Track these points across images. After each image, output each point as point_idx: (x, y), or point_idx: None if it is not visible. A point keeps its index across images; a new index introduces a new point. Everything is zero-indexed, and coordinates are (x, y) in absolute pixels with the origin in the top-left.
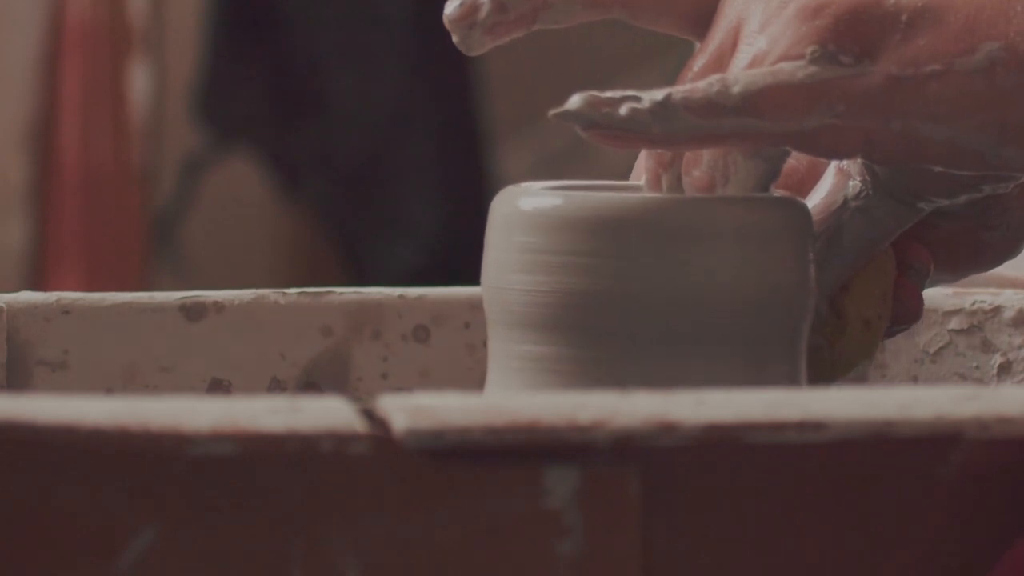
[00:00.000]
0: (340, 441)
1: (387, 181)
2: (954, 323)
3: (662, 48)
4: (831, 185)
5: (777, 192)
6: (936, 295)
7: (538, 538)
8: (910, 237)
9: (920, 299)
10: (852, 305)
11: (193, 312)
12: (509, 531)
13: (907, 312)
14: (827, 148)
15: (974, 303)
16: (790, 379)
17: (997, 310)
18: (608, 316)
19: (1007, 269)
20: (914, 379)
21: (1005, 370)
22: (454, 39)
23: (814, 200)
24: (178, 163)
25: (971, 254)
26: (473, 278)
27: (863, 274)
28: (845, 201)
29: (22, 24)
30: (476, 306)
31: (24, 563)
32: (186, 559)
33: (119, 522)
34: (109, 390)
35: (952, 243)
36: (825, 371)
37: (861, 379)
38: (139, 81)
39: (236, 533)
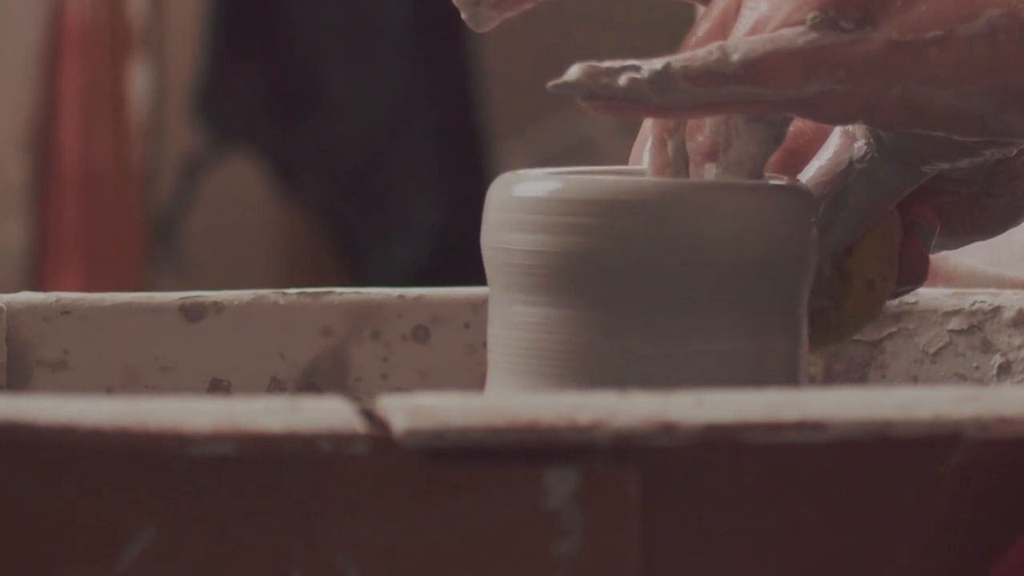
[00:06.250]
0: (340, 441)
1: (387, 181)
2: (954, 323)
3: (662, 50)
4: (836, 147)
5: (778, 179)
6: (936, 295)
7: (538, 538)
8: (915, 198)
9: (926, 259)
10: (856, 267)
11: (193, 312)
12: (509, 531)
13: (913, 272)
14: (828, 114)
15: (974, 303)
16: (791, 342)
17: (997, 310)
18: (608, 277)
19: (1007, 269)
20: (914, 379)
21: (1005, 370)
22: (463, 16)
23: (820, 162)
24: (178, 163)
25: (975, 221)
26: (473, 278)
27: (868, 236)
28: (850, 163)
29: (22, 24)
30: (476, 306)
31: (24, 563)
32: (186, 559)
33: (119, 522)
34: (109, 390)
35: (956, 210)
36: (830, 332)
37: (861, 379)
38: (139, 81)
39: (236, 533)
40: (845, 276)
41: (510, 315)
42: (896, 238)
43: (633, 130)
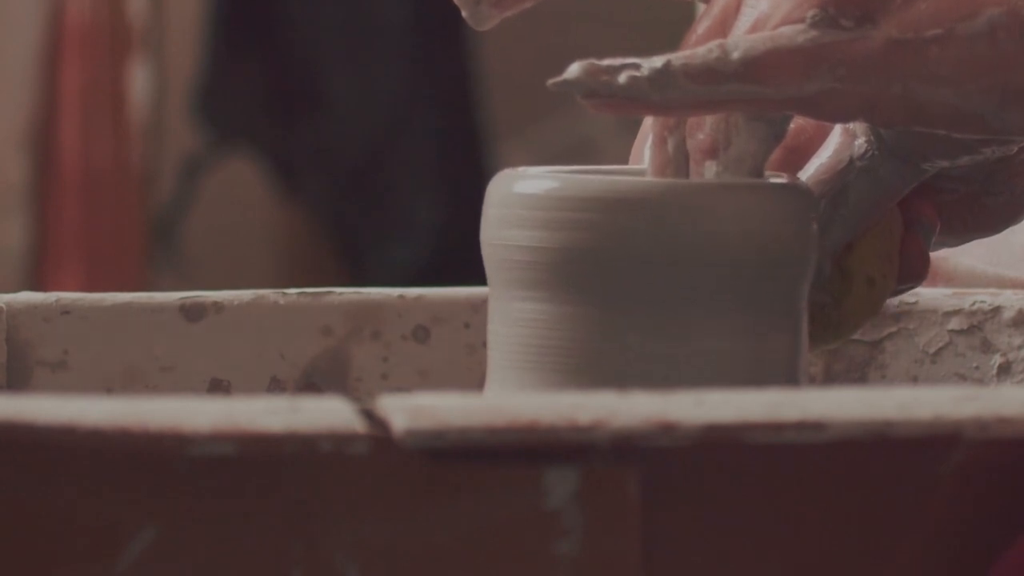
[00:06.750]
0: (340, 441)
1: (387, 181)
2: (954, 323)
3: (662, 48)
4: (837, 145)
5: (778, 178)
6: (936, 295)
7: (538, 538)
8: (915, 196)
9: (926, 257)
10: (857, 264)
11: (193, 312)
12: (509, 531)
13: (913, 270)
14: (828, 112)
15: (974, 303)
16: (791, 341)
17: (997, 310)
18: (607, 275)
19: (1007, 269)
20: (914, 379)
21: (1005, 370)
22: (463, 14)
23: (820, 160)
24: (178, 163)
25: (975, 219)
26: (473, 278)
27: (869, 234)
28: (851, 161)
29: (22, 24)
30: (476, 306)
31: (24, 563)
32: (186, 559)
33: (119, 522)
34: (109, 390)
35: (957, 207)
36: (831, 330)
37: (861, 379)
38: (139, 81)
39: (236, 533)
40: (845, 273)
41: (509, 312)
42: (896, 236)
43: (633, 130)
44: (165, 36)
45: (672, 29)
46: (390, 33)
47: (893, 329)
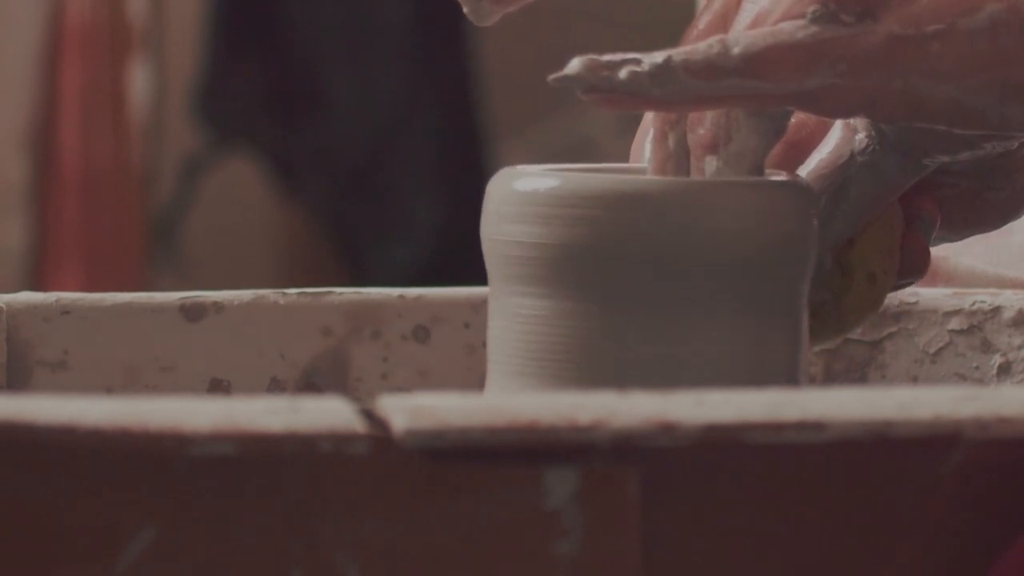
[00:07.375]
0: (340, 441)
1: (387, 181)
2: (954, 323)
3: (662, 48)
4: (838, 139)
5: (778, 175)
6: (936, 295)
7: (538, 538)
8: (916, 191)
9: (927, 252)
10: (857, 259)
11: (193, 312)
12: (509, 531)
13: (914, 265)
14: (829, 108)
15: (974, 303)
16: (791, 342)
17: (997, 310)
18: (607, 272)
19: (1007, 269)
20: (914, 379)
21: (1005, 370)
22: (465, 10)
23: (821, 155)
24: (178, 163)
25: (976, 214)
26: (473, 278)
27: (869, 229)
28: (852, 155)
29: (22, 24)
30: (476, 306)
31: (24, 563)
32: (186, 559)
33: (119, 522)
34: (109, 390)
35: (957, 202)
36: (831, 325)
37: (861, 379)
38: (139, 81)
39: (236, 533)
40: (846, 269)
41: (509, 307)
42: (897, 231)
43: (633, 131)
44: (165, 36)
45: (672, 28)
46: (390, 33)
47: (893, 329)
